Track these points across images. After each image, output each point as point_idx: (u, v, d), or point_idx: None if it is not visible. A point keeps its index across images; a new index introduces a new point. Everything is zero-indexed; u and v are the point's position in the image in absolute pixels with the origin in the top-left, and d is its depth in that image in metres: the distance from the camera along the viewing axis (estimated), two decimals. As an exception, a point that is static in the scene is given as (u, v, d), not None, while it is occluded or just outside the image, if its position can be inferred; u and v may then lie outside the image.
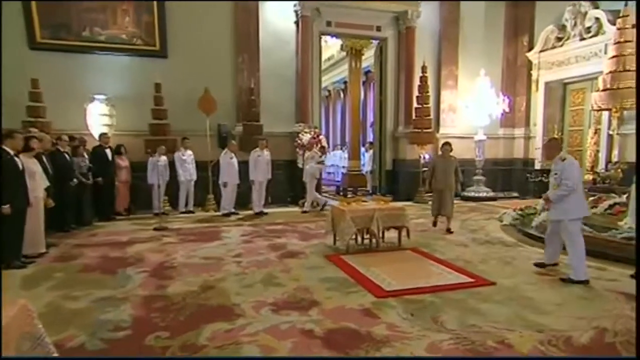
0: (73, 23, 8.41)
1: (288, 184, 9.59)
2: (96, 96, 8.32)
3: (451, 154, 6.71)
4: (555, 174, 4.32)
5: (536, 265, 4.79)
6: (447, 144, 6.77)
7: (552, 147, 4.63)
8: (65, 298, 3.84)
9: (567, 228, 4.30)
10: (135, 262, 5.02)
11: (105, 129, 8.17)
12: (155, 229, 6.89)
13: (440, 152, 6.94)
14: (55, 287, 4.13)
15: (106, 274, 4.59)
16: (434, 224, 6.93)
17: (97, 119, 8.27)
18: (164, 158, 8.22)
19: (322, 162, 8.87)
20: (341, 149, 17.41)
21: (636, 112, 6.51)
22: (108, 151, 7.86)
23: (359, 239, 5.80)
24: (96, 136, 8.07)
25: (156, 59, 8.90)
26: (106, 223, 7.51)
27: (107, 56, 8.69)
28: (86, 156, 7.38)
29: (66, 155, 6.72)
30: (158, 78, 8.49)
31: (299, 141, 9.16)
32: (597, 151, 8.23)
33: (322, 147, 9.48)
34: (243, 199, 8.66)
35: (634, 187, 5.38)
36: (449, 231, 6.63)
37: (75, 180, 6.77)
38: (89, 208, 7.39)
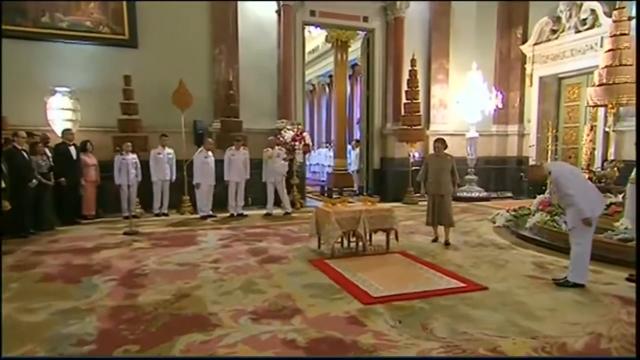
0: (29, 7, 8.17)
1: (269, 185, 9.55)
2: (58, 89, 8.12)
3: (446, 151, 6.18)
4: (554, 188, 4.37)
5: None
6: (439, 140, 6.22)
7: (538, 174, 4.70)
8: (22, 311, 3.74)
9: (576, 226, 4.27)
10: (102, 270, 4.93)
11: (68, 125, 7.99)
12: (125, 234, 6.79)
13: (433, 151, 6.43)
14: (11, 299, 4.01)
15: (69, 283, 4.49)
16: (435, 239, 6.23)
17: (59, 114, 8.09)
18: (132, 156, 8.10)
19: (285, 160, 8.81)
20: (326, 147, 17.45)
21: (636, 109, 6.67)
22: (72, 149, 7.70)
23: (345, 242, 5.81)
24: (58, 132, 7.90)
25: (125, 49, 8.76)
26: (70, 227, 7.35)
27: (69, 45, 8.49)
28: (48, 154, 7.22)
29: (24, 154, 6.57)
30: (127, 70, 8.37)
31: (281, 139, 9.13)
32: (593, 149, 8.41)
33: (306, 145, 9.48)
34: (222, 201, 8.60)
35: (629, 186, 5.52)
36: (446, 244, 6.08)
37: (34, 180, 6.62)
38: (51, 211, 7.23)
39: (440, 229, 6.26)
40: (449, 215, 6.13)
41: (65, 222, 7.49)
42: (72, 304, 3.89)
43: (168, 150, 8.45)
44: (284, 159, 8.76)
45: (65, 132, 7.78)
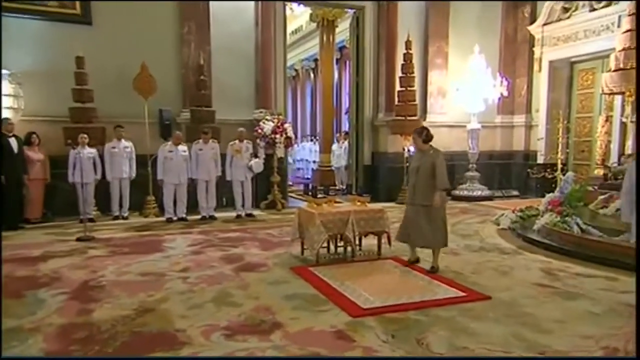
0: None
1: (246, 183, 9.52)
2: (-6, 71, 7.96)
3: (430, 144, 5.20)
4: None
5: None
6: (416, 131, 5.32)
7: None
8: (-44, 330, 3.66)
9: None
10: (51, 282, 4.85)
11: (8, 114, 7.83)
12: (78, 240, 6.71)
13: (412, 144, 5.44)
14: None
15: (10, 298, 4.38)
16: (414, 261, 5.40)
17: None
18: (88, 150, 8.00)
19: (255, 155, 8.81)
20: (311, 140, 17.48)
21: (636, 104, 6.81)
22: (13, 141, 7.56)
23: (332, 247, 5.82)
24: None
25: (77, 26, 8.61)
26: (11, 233, 7.20)
27: (8, 19, 8.18)
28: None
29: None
30: (80, 50, 8.22)
31: (259, 131, 9.11)
32: (609, 142, 8.57)
33: (288, 139, 9.46)
34: (193, 202, 8.53)
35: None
36: (432, 270, 5.12)
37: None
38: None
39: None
40: (428, 233, 5.10)
41: (6, 227, 7.31)
42: (14, 322, 3.80)
43: (125, 143, 8.35)
44: (256, 155, 8.72)
45: (4, 121, 7.61)
